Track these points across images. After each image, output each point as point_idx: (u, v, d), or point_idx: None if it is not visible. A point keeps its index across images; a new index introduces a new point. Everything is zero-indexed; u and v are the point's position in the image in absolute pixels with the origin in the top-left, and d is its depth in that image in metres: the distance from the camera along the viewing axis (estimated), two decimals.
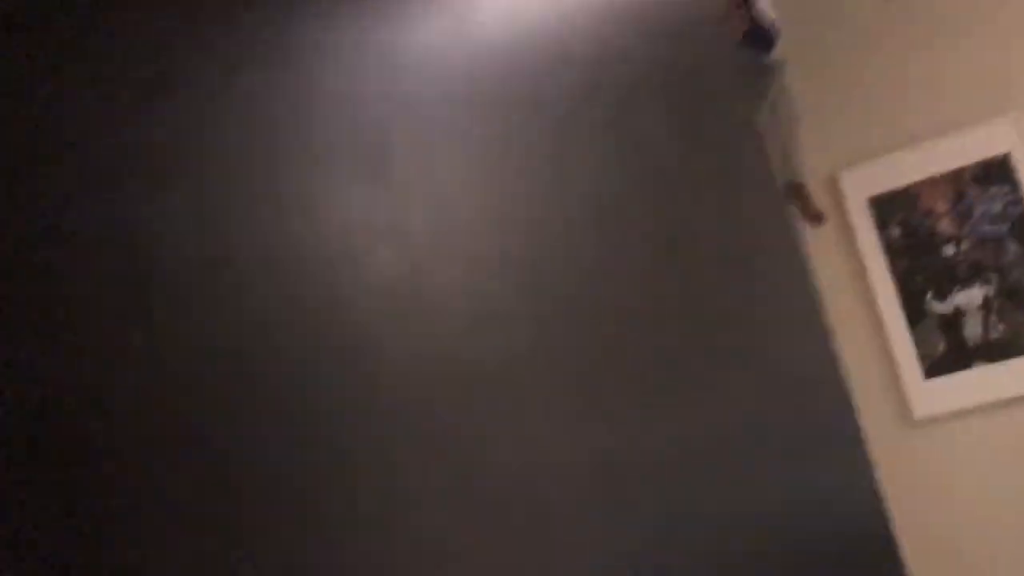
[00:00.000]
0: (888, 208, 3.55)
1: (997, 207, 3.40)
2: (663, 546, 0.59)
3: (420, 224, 0.46)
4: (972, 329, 3.41)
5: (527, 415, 0.50)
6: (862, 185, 3.58)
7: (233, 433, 0.35)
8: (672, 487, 0.64)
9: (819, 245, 3.64)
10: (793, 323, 0.96)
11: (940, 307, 3.46)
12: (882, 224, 3.55)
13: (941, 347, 3.45)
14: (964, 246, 3.44)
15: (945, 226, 3.47)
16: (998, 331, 3.38)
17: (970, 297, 3.42)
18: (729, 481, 0.73)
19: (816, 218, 3.35)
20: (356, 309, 0.40)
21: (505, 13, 0.57)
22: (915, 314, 3.49)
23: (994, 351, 3.38)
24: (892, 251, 3.53)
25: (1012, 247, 3.37)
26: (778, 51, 3.21)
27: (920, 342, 3.47)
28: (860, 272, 3.59)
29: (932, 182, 3.49)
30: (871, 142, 3.60)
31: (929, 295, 3.48)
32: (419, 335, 0.44)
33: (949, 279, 3.46)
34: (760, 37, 3.04)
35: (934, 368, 3.45)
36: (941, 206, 3.48)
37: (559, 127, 0.59)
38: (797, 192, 3.33)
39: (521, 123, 0.54)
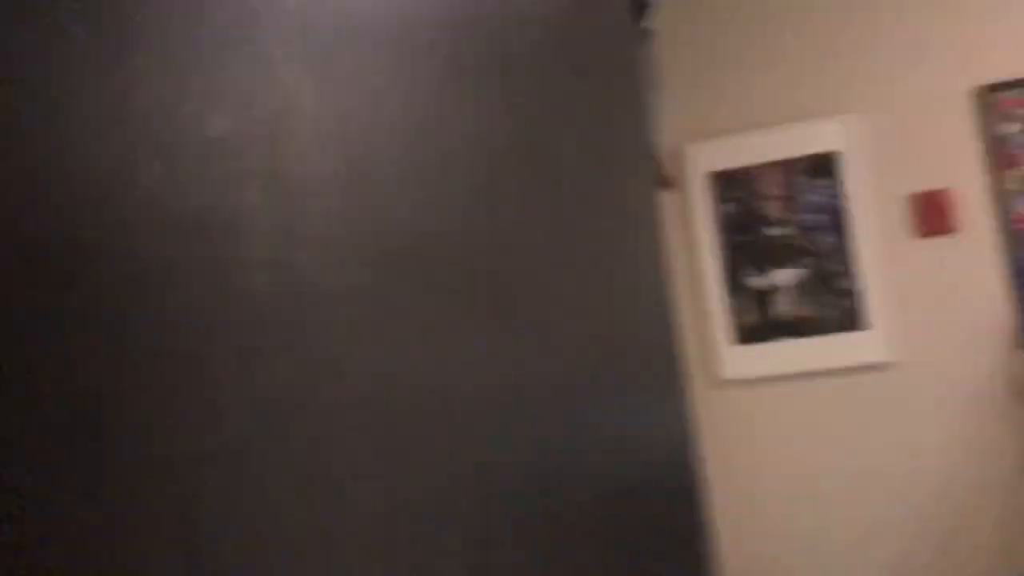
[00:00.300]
0: (726, 185, 3.80)
1: (820, 199, 3.72)
2: (494, 468, 0.71)
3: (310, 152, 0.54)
4: (782, 306, 3.74)
5: (386, 337, 0.59)
6: (705, 160, 3.82)
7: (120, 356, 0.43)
8: (503, 416, 0.75)
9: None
10: (639, 279, 1.09)
11: (758, 282, 3.76)
12: (718, 199, 3.81)
13: (753, 318, 3.76)
14: (787, 230, 3.75)
15: (774, 209, 3.76)
16: (805, 310, 3.72)
17: (785, 277, 3.74)
18: (554, 415, 0.86)
19: (665, 183, 3.57)
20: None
21: None
22: (735, 285, 3.78)
23: (799, 328, 3.72)
24: (723, 225, 3.81)
25: (828, 237, 3.70)
26: (649, 20, 3.36)
27: (735, 311, 3.77)
28: (691, 239, 3.85)
29: (769, 167, 3.77)
30: (719, 122, 3.84)
31: (750, 269, 3.78)
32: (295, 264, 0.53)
33: (770, 258, 3.76)
34: (640, 4, 3.19)
35: (744, 336, 3.77)
36: (774, 191, 3.77)
37: (454, 71, 0.68)
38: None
39: (420, 65, 0.63)
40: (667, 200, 3.88)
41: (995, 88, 3.60)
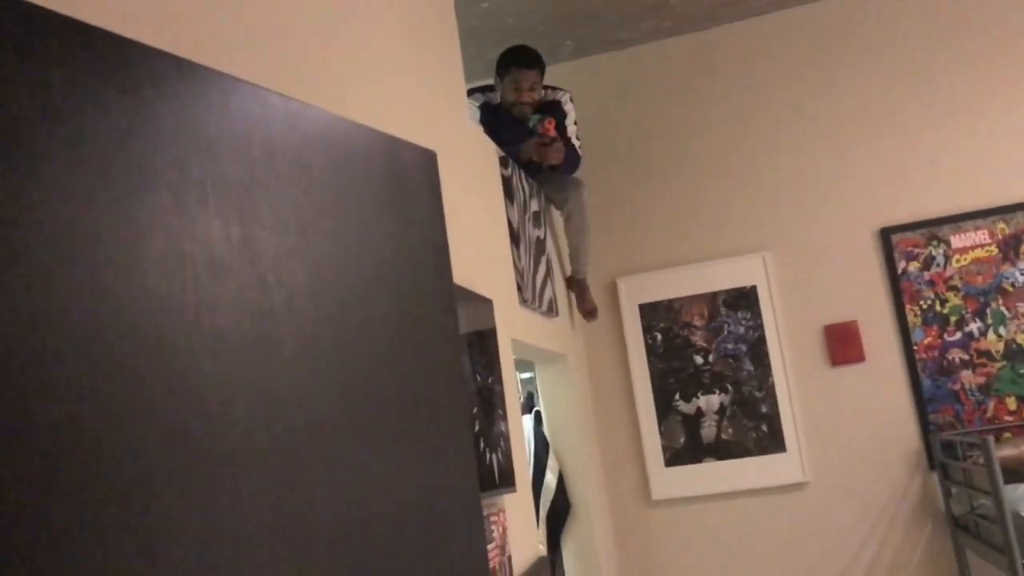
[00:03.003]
0: (654, 315, 4.12)
1: (741, 329, 4.03)
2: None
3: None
4: (708, 429, 4.01)
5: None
6: (636, 292, 4.15)
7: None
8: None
9: (598, 337, 4.18)
10: (449, 444, 1.38)
11: (685, 407, 4.05)
12: (648, 328, 4.13)
13: (681, 441, 4.03)
14: (711, 358, 4.05)
15: (699, 339, 4.07)
16: (728, 434, 3.99)
17: (710, 402, 4.02)
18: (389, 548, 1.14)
19: (590, 313, 3.88)
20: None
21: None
22: (664, 410, 4.06)
23: (722, 450, 3.98)
24: (653, 352, 4.11)
25: (747, 365, 4.00)
26: (579, 173, 3.74)
27: (665, 434, 4.04)
28: (626, 366, 4.14)
29: (693, 299, 4.09)
30: (649, 258, 4.19)
31: (678, 395, 4.06)
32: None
33: (695, 384, 4.05)
34: (568, 162, 3.57)
35: (673, 458, 4.03)
36: (698, 321, 4.09)
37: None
38: (577, 286, 3.86)
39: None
40: (603, 329, 4.19)
41: (896, 229, 3.95)
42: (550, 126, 3.39)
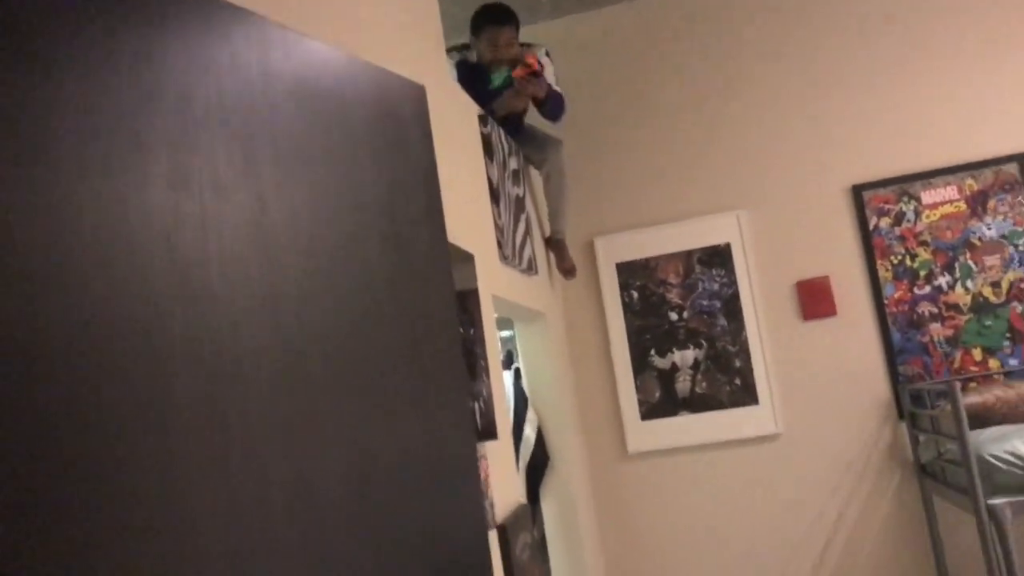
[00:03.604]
0: (631, 273, 4.19)
1: (715, 286, 4.11)
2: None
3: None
4: (683, 384, 4.09)
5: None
6: (612, 251, 4.21)
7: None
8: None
9: (576, 295, 4.24)
10: (451, 406, 1.42)
11: (660, 362, 4.12)
12: (624, 286, 4.19)
13: (657, 395, 4.11)
14: (686, 315, 4.12)
15: (674, 296, 4.14)
16: (702, 388, 4.07)
17: (684, 358, 4.10)
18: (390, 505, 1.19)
19: (568, 271, 3.94)
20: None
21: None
22: (640, 365, 4.14)
23: (697, 404, 4.07)
24: (629, 310, 4.18)
25: (721, 321, 4.08)
26: (558, 132, 3.77)
27: (641, 389, 4.12)
28: (603, 324, 4.21)
29: (669, 258, 4.16)
30: (626, 217, 4.24)
31: (653, 351, 4.14)
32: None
33: (671, 340, 4.13)
34: (554, 103, 3.59)
35: (649, 412, 4.11)
36: (674, 279, 4.15)
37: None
38: (556, 246, 3.91)
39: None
40: (581, 287, 4.24)
41: (868, 186, 4.02)
42: (532, 59, 3.38)
